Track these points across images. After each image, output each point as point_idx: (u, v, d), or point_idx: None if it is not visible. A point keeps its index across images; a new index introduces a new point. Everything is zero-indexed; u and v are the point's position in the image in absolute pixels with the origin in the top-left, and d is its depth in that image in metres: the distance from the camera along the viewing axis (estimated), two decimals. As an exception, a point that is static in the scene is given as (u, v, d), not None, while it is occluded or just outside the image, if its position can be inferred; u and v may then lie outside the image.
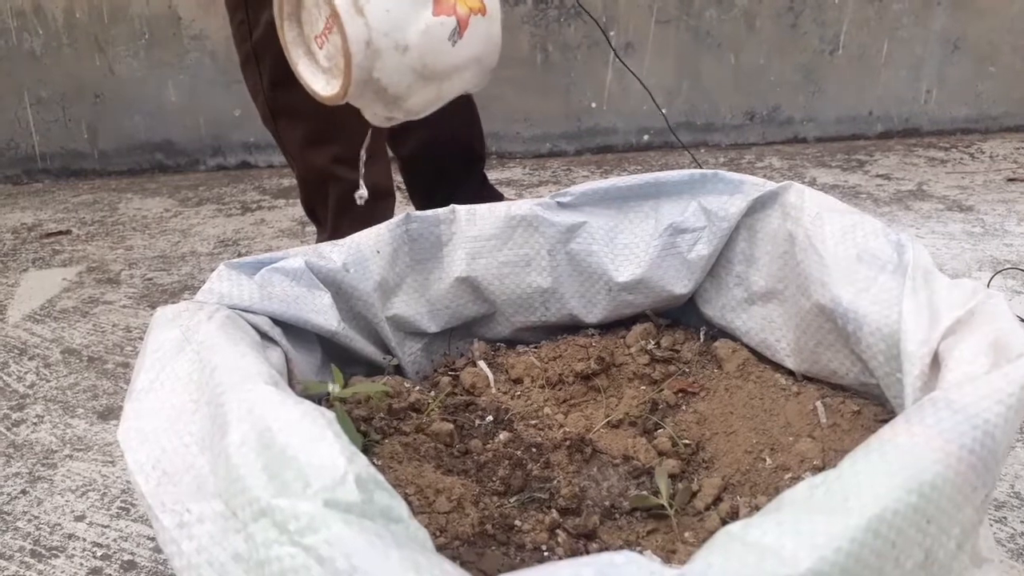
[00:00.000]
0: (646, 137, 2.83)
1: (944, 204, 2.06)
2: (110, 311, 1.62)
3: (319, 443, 0.43)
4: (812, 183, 2.32)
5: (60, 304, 1.66)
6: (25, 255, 1.96)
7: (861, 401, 0.68)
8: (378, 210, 1.44)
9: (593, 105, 2.78)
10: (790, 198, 0.74)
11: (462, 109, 1.51)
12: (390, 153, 1.56)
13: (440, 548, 0.59)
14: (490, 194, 1.64)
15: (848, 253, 0.65)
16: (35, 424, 1.22)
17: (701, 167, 1.96)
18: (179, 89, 2.56)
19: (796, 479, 0.63)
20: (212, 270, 1.86)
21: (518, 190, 2.32)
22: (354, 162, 1.32)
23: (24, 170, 2.58)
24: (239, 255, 1.88)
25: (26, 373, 1.38)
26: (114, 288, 1.74)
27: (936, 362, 0.55)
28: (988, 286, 1.43)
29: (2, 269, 1.87)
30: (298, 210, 2.22)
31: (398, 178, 1.65)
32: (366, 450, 0.67)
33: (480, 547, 0.61)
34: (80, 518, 1.01)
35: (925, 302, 0.57)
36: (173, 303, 1.68)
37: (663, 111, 2.18)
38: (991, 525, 0.85)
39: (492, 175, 2.49)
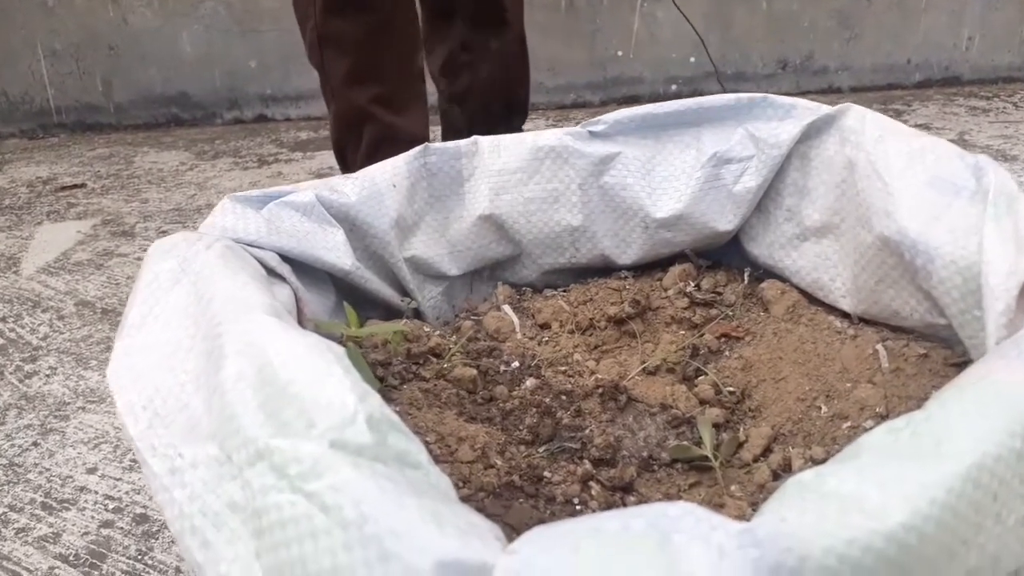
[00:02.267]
0: (674, 87, 2.73)
1: (987, 154, 1.97)
2: (124, 263, 1.59)
3: (326, 378, 0.38)
4: (849, 132, 2.23)
5: (74, 257, 1.64)
6: (40, 208, 1.93)
7: (927, 344, 0.61)
8: None
9: (619, 53, 2.68)
10: (849, 121, 0.66)
11: (517, 58, 1.51)
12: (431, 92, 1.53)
13: (464, 500, 0.54)
14: None
15: (917, 179, 0.58)
16: (47, 376, 1.21)
17: (720, 79, 1.89)
18: (194, 40, 2.50)
19: (856, 428, 0.57)
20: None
21: (563, 127, 2.25)
22: (393, 103, 1.36)
23: (39, 124, 2.55)
24: (255, 207, 1.83)
25: (39, 325, 1.36)
26: (129, 241, 1.71)
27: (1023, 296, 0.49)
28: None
29: (16, 222, 1.85)
30: (315, 163, 2.17)
31: (435, 129, 1.60)
32: (383, 396, 0.61)
33: (507, 499, 0.55)
34: (92, 470, 0.99)
35: (1010, 230, 0.50)
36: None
37: (702, 41, 2.08)
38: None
39: (513, 126, 2.42)
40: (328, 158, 2.22)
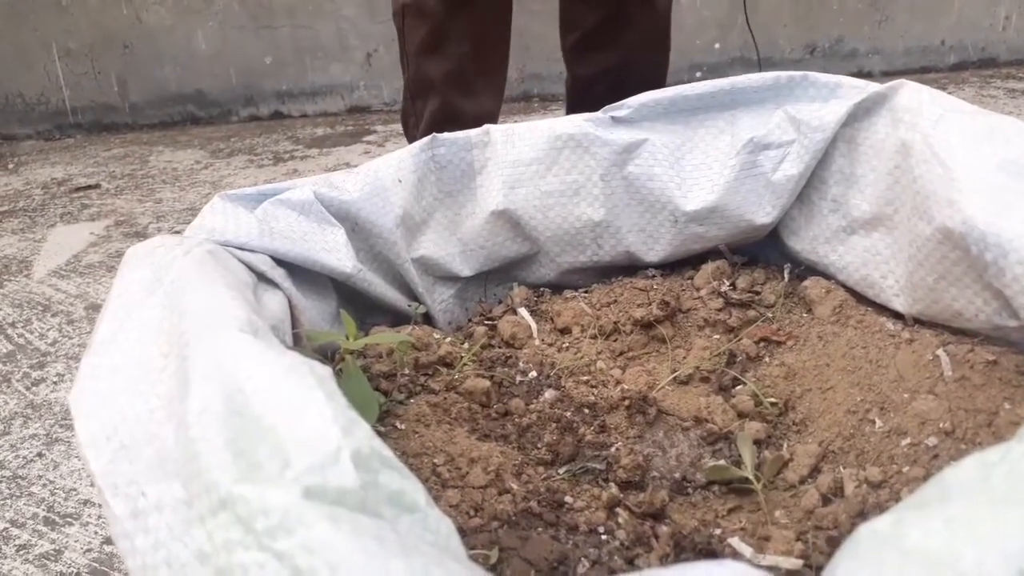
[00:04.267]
0: (699, 74, 2.65)
1: (1034, 136, 1.87)
2: (136, 265, 1.56)
3: (305, 408, 0.32)
4: (884, 117, 2.15)
5: (86, 259, 1.62)
6: (53, 210, 1.91)
7: (996, 349, 0.54)
8: None
9: (642, 41, 2.61)
10: (902, 100, 0.59)
11: (656, 43, 1.42)
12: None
13: (476, 531, 0.48)
14: None
15: (985, 163, 0.51)
16: (55, 383, 1.18)
17: (759, 52, 1.81)
18: (209, 37, 2.47)
19: (917, 445, 0.50)
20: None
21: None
22: (463, 83, 1.31)
23: (56, 125, 2.53)
24: (269, 206, 1.80)
25: (48, 330, 1.33)
26: (141, 242, 1.68)
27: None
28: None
29: (30, 225, 1.83)
30: (332, 159, 2.13)
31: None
32: (387, 413, 0.56)
33: (524, 529, 0.50)
34: None
35: (1099, 219, 0.44)
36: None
37: (747, 18, 2.01)
38: None
39: (535, 119, 2.36)
40: (345, 154, 2.18)
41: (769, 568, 0.43)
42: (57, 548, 0.87)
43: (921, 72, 2.72)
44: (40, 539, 0.89)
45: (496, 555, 0.46)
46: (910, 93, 0.59)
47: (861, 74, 2.72)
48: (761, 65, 2.31)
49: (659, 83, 1.47)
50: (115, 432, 0.39)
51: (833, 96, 0.64)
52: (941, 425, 0.50)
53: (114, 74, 2.52)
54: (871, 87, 0.62)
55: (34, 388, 1.18)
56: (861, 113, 0.62)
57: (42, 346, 1.30)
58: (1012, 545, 0.27)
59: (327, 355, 0.58)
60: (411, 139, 1.43)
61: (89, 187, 2.08)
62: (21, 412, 1.12)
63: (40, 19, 2.44)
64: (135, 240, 1.71)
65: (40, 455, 1.03)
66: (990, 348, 0.54)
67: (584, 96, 1.51)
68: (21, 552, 0.87)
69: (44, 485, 0.97)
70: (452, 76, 1.31)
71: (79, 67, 2.50)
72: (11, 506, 0.94)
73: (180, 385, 0.36)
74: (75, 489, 0.96)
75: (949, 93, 2.01)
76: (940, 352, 0.54)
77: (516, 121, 2.49)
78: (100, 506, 0.91)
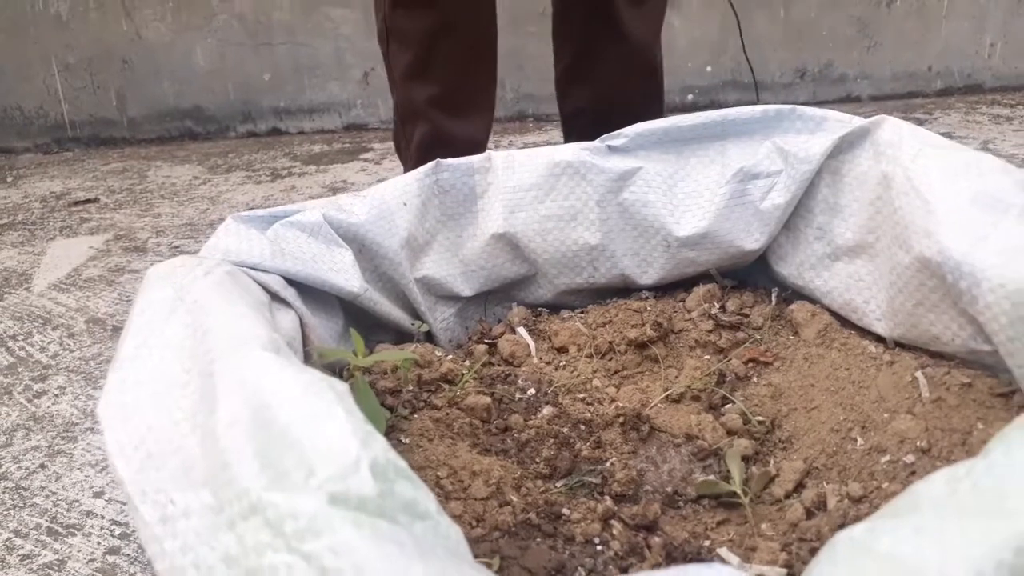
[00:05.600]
0: (691, 96, 2.69)
1: (1013, 163, 1.92)
2: (136, 280, 1.57)
3: (326, 421, 0.35)
4: (871, 141, 2.19)
5: (86, 273, 1.63)
6: (53, 224, 1.93)
7: (971, 372, 0.57)
8: None
9: (635, 63, 2.65)
10: (884, 135, 0.63)
11: (635, 75, 1.40)
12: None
13: (478, 540, 0.51)
14: None
15: (960, 196, 0.54)
16: (56, 396, 1.19)
17: (754, 74, 1.83)
18: (208, 53, 2.49)
19: (895, 463, 0.53)
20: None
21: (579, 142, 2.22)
22: (450, 106, 1.32)
23: (54, 139, 2.55)
24: (268, 222, 1.82)
25: (49, 343, 1.34)
26: (141, 256, 1.69)
27: (1081, 324, 0.45)
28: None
29: (29, 238, 1.85)
30: (329, 176, 2.16)
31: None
32: (393, 427, 0.58)
33: (523, 539, 0.52)
34: (99, 494, 0.97)
35: (1064, 251, 0.47)
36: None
37: (740, 33, 2.05)
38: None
39: (529, 139, 2.39)
40: (342, 172, 2.21)
41: (756, 576, 0.45)
42: (60, 558, 0.88)
43: (908, 97, 2.77)
44: (43, 549, 0.89)
45: (497, 563, 0.49)
46: (891, 128, 0.62)
47: (850, 99, 2.77)
48: (758, 89, 2.36)
49: (648, 114, 1.48)
50: (142, 442, 0.41)
51: (819, 129, 0.67)
52: (918, 443, 0.53)
53: (113, 89, 2.54)
54: (855, 121, 0.66)
55: (36, 400, 1.19)
56: (845, 146, 0.66)
57: (43, 359, 1.31)
58: (973, 551, 0.29)
59: (336, 371, 0.61)
60: (404, 162, 1.44)
61: (88, 201, 2.10)
62: (23, 424, 1.13)
63: (40, 33, 2.46)
64: (134, 255, 1.72)
65: (43, 466, 1.04)
66: (965, 371, 0.57)
67: (572, 128, 1.52)
68: (25, 562, 0.87)
69: (47, 496, 0.98)
70: (438, 100, 1.31)
71: (78, 81, 2.52)
72: (14, 517, 0.95)
73: (206, 400, 0.38)
74: (77, 500, 0.97)
75: (936, 118, 2.05)
76: (919, 374, 0.57)
77: (511, 141, 2.51)
78: (102, 517, 0.92)
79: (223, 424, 0.35)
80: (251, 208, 1.94)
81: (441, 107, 1.32)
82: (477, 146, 1.35)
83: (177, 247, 1.73)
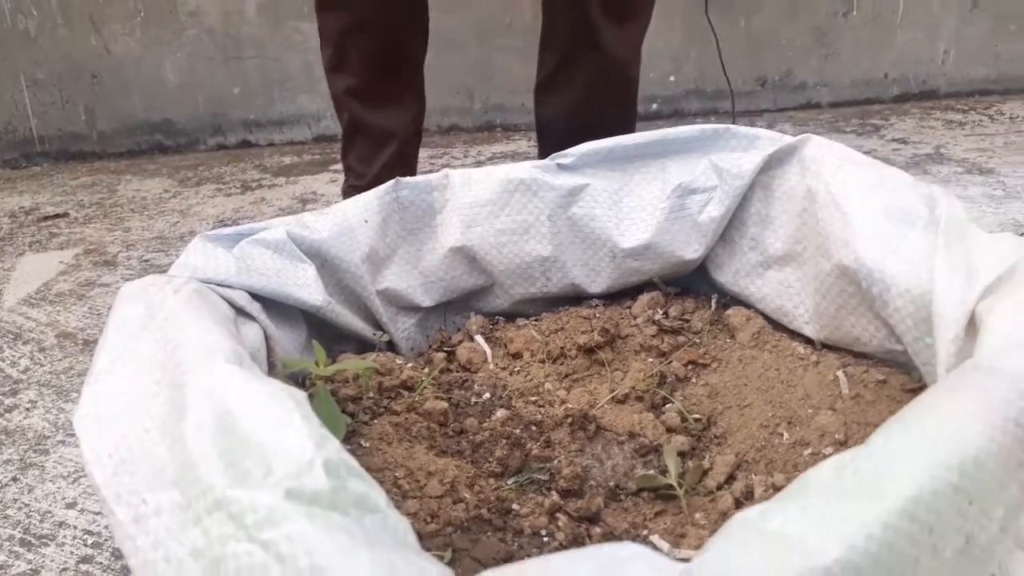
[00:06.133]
0: (654, 106, 2.75)
1: (963, 167, 1.99)
2: (107, 294, 1.59)
3: (285, 426, 0.39)
4: (827, 148, 2.25)
5: (56, 287, 1.64)
6: (22, 239, 1.93)
7: (887, 370, 0.62)
8: (383, 153, 1.52)
9: (599, 74, 2.71)
10: (809, 152, 0.68)
11: (610, 90, 1.46)
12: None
13: (432, 535, 0.55)
14: None
15: (874, 209, 0.60)
16: (28, 410, 1.20)
17: (733, 96, 1.86)
18: (177, 68, 2.51)
19: (816, 455, 0.58)
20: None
21: (531, 160, 2.26)
22: (364, 98, 1.45)
23: (22, 153, 2.55)
24: (238, 234, 1.84)
25: (20, 358, 1.35)
26: (111, 270, 1.71)
27: (973, 325, 0.50)
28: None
29: (-1, 254, 1.85)
30: (299, 188, 2.18)
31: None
32: (353, 432, 0.62)
33: (475, 533, 0.56)
34: (71, 505, 0.98)
35: (960, 259, 0.52)
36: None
37: (717, 43, 2.10)
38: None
39: (497, 148, 2.43)
40: (311, 183, 2.23)
41: (682, 560, 0.49)
42: (34, 568, 0.89)
43: (866, 103, 2.84)
44: (17, 559, 0.91)
45: (450, 555, 0.53)
46: (815, 146, 0.67)
47: (810, 105, 2.84)
48: (734, 97, 2.41)
49: (619, 126, 1.52)
50: (116, 449, 0.45)
51: (752, 147, 0.73)
52: (837, 437, 0.58)
53: (82, 104, 2.54)
54: (784, 140, 0.71)
55: (7, 415, 1.20)
56: (775, 162, 0.71)
57: (14, 373, 1.32)
58: (848, 528, 0.34)
59: (299, 380, 0.65)
60: (341, 153, 1.60)
61: (57, 216, 2.10)
62: None
63: (8, 50, 2.47)
64: (104, 269, 1.73)
65: (15, 479, 1.05)
66: (882, 369, 0.62)
67: (545, 135, 1.60)
68: None
69: (20, 508, 0.99)
70: (355, 92, 1.46)
71: (47, 96, 2.52)
72: None
73: (176, 408, 0.42)
74: (50, 511, 0.98)
75: (892, 124, 2.12)
76: (840, 373, 0.62)
77: (479, 151, 2.55)
78: (75, 527, 0.94)
79: (191, 429, 0.39)
80: (221, 220, 1.96)
81: (357, 98, 1.47)
82: (393, 135, 1.50)
83: (147, 261, 1.74)
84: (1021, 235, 1.46)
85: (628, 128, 1.52)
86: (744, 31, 2.75)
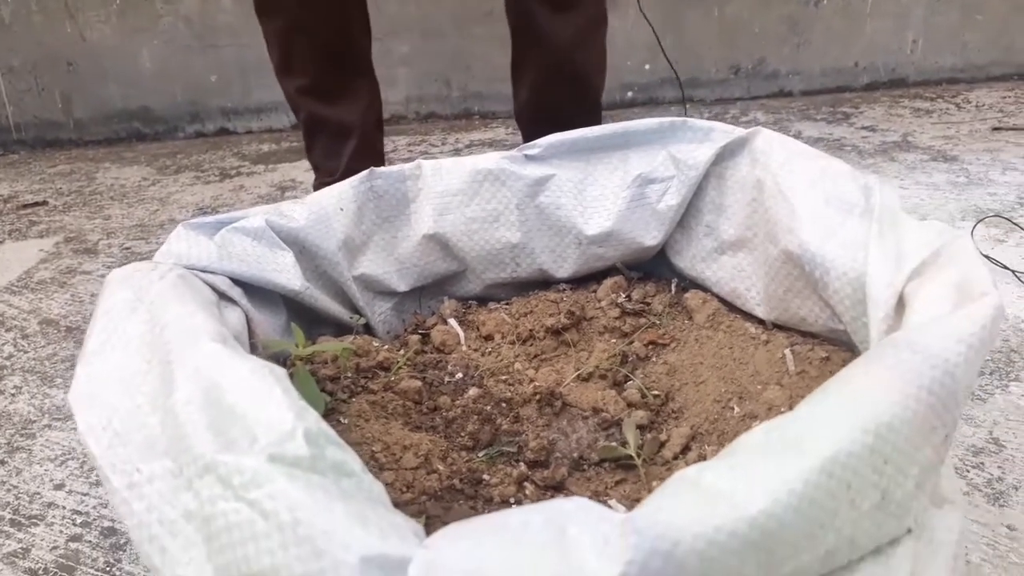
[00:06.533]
0: (630, 94, 2.79)
1: (929, 155, 2.04)
2: (88, 281, 1.61)
3: (267, 399, 0.43)
4: (797, 136, 2.31)
5: (37, 275, 1.65)
6: (1, 227, 1.94)
7: (830, 348, 0.67)
8: (347, 146, 1.56)
9: (575, 62, 2.74)
10: (759, 144, 0.72)
11: (557, 80, 1.49)
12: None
13: (407, 504, 0.59)
14: None
15: (816, 198, 0.64)
16: (13, 395, 1.22)
17: (685, 100, 1.91)
18: (154, 55, 2.51)
19: (764, 427, 0.62)
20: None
21: (500, 150, 2.29)
22: (317, 94, 1.49)
23: (-2, 141, 2.54)
24: (218, 222, 1.86)
25: (3, 344, 1.37)
26: (92, 258, 1.72)
27: (901, 305, 0.54)
28: (972, 235, 1.43)
29: (-22, 242, 1.86)
30: (277, 175, 2.20)
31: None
32: (332, 410, 0.66)
33: (447, 501, 0.60)
34: (59, 487, 1.00)
35: (892, 245, 0.56)
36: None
37: (662, 48, 2.14)
38: (969, 471, 0.85)
39: (475, 136, 2.46)
40: (290, 170, 2.25)
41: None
42: (24, 547, 0.91)
43: (837, 92, 2.89)
44: (8, 539, 0.93)
45: (423, 521, 0.57)
46: (764, 138, 0.72)
47: (782, 94, 2.88)
48: (683, 89, 2.46)
49: (579, 116, 1.54)
50: (109, 423, 0.48)
51: (707, 139, 0.77)
52: (782, 410, 0.62)
53: (58, 91, 2.54)
54: (736, 132, 0.75)
55: None
56: (727, 154, 0.75)
57: None
58: (771, 482, 0.38)
59: (280, 361, 0.68)
60: (306, 152, 1.64)
61: (36, 204, 2.11)
62: None
63: (-18, 36, 2.45)
64: (85, 256, 1.75)
65: (2, 462, 1.07)
66: (826, 347, 0.67)
67: (520, 122, 1.65)
68: None
69: (8, 490, 1.02)
70: (307, 90, 1.51)
71: (22, 84, 2.52)
72: None
73: (166, 384, 0.45)
74: (39, 493, 1.00)
75: (862, 112, 2.17)
76: (787, 351, 0.67)
77: (457, 138, 2.57)
78: (63, 508, 0.97)
79: (180, 403, 0.42)
80: (200, 208, 1.98)
81: (311, 95, 1.51)
82: (352, 127, 1.54)
83: (128, 248, 1.76)
84: (981, 220, 1.52)
85: (589, 118, 1.57)
86: (717, 19, 2.79)
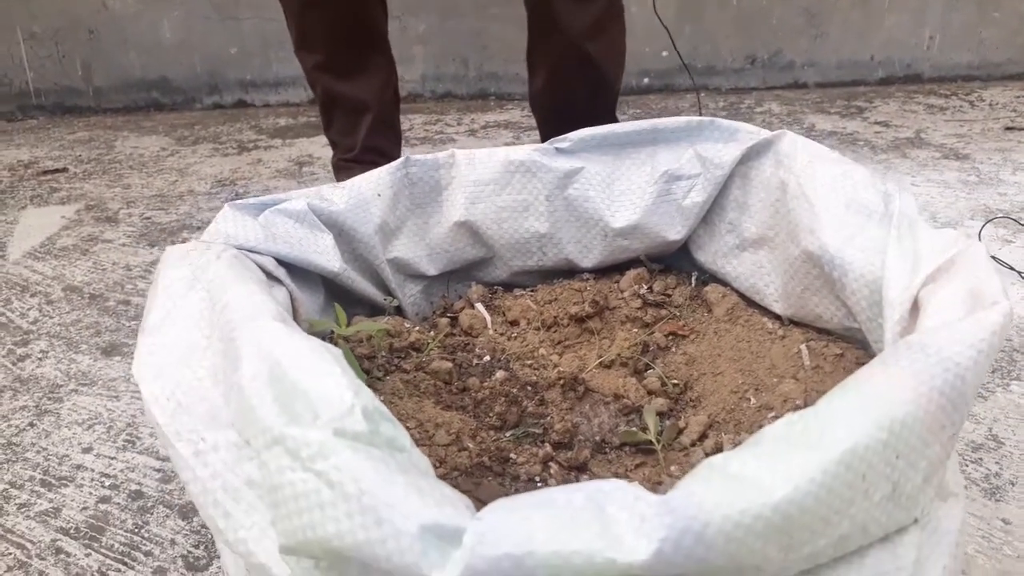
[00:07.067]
0: (646, 80, 2.81)
1: (941, 152, 2.06)
2: (110, 249, 1.63)
3: (327, 377, 0.46)
4: (811, 129, 2.32)
5: (60, 242, 1.68)
6: (23, 192, 1.96)
7: (844, 345, 0.71)
8: (363, 123, 1.58)
9: (593, 47, 2.75)
10: (783, 146, 0.75)
11: (571, 68, 1.50)
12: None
13: (440, 478, 0.62)
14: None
15: (837, 201, 0.67)
16: (40, 359, 1.24)
17: (701, 112, 1.93)
18: (174, 26, 2.53)
19: (778, 418, 0.65)
20: (210, 210, 1.86)
21: (516, 132, 2.31)
22: (333, 70, 1.53)
23: (18, 106, 2.56)
24: (236, 195, 1.89)
25: (29, 310, 1.40)
26: (113, 227, 1.75)
27: (916, 308, 0.58)
28: (980, 235, 1.46)
29: (0, 207, 1.88)
30: (294, 151, 2.22)
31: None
32: (369, 387, 0.69)
33: (477, 478, 0.64)
34: (87, 450, 1.03)
35: (909, 250, 0.59)
36: (173, 242, 1.68)
37: (673, 43, 2.16)
38: (968, 466, 0.89)
39: (490, 117, 2.48)
40: (307, 145, 2.27)
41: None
42: (55, 506, 0.94)
43: (852, 85, 2.90)
44: (39, 499, 0.95)
45: (456, 495, 0.60)
46: (789, 141, 0.75)
47: (797, 85, 2.89)
48: (692, 76, 2.46)
49: (595, 103, 1.58)
50: (172, 394, 0.52)
51: (732, 139, 0.80)
52: (797, 403, 0.66)
53: (79, 58, 2.56)
54: (762, 134, 0.78)
55: (20, 364, 1.24)
56: (752, 154, 0.78)
57: (24, 324, 1.36)
58: (793, 471, 0.42)
59: (320, 338, 0.72)
60: (324, 128, 1.66)
61: (57, 171, 2.13)
62: (9, 386, 1.18)
63: (5, 3, 2.47)
64: (106, 225, 1.77)
65: (32, 424, 1.10)
66: (840, 344, 0.71)
67: (534, 107, 1.67)
68: (22, 510, 0.93)
69: (38, 452, 1.04)
70: (323, 66, 1.53)
71: (43, 50, 2.53)
72: (8, 470, 1.00)
73: (230, 360, 0.49)
74: (67, 455, 1.03)
75: (876, 106, 2.18)
76: (803, 347, 0.70)
77: (473, 119, 2.58)
78: (92, 470, 1.00)
79: (247, 379, 0.46)
80: (219, 180, 2.01)
81: (327, 72, 1.54)
82: (368, 104, 1.57)
83: (148, 218, 1.79)
84: (990, 220, 1.54)
85: (604, 108, 1.58)
86: (736, 8, 2.79)
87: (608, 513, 0.39)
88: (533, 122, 2.52)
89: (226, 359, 0.49)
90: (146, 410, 0.52)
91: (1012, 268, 1.35)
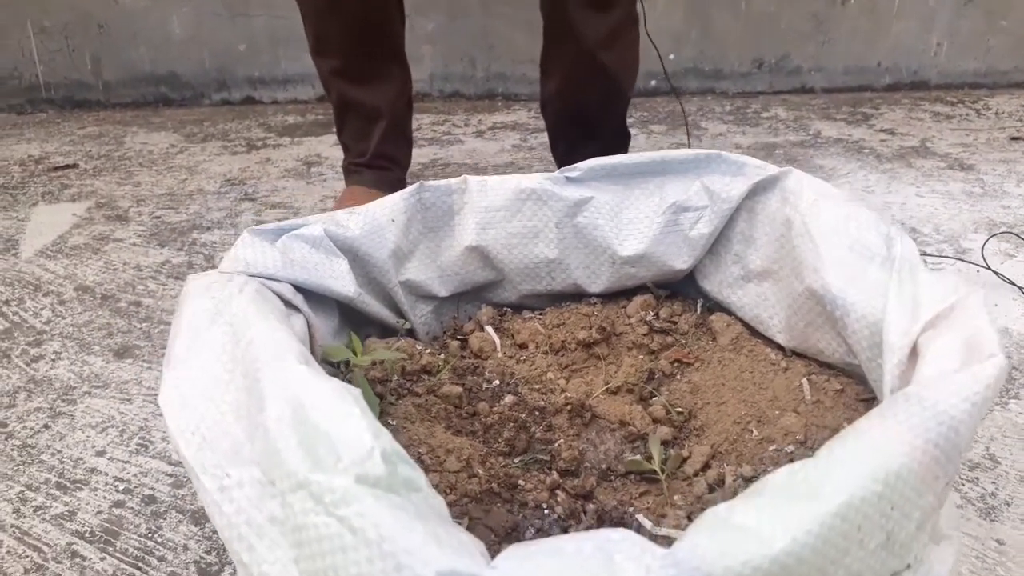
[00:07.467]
0: (653, 83, 2.82)
1: (946, 162, 2.06)
2: (121, 249, 1.65)
3: (348, 419, 0.48)
4: (816, 135, 2.33)
5: (71, 240, 1.69)
6: (34, 188, 1.98)
7: (845, 380, 0.73)
8: (376, 129, 1.60)
9: (601, 49, 2.76)
10: (789, 183, 0.77)
11: (583, 78, 1.51)
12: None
13: (451, 505, 0.65)
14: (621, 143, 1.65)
15: (841, 242, 0.69)
16: (53, 360, 1.26)
17: (689, 133, 1.93)
18: (183, 21, 2.54)
19: (779, 451, 0.68)
20: (219, 210, 1.87)
21: (523, 134, 2.32)
22: (348, 75, 1.55)
23: (28, 99, 2.58)
24: (246, 195, 1.91)
25: (42, 309, 1.41)
26: (123, 225, 1.76)
27: (915, 353, 0.60)
28: (982, 250, 1.47)
29: (12, 203, 1.89)
30: (303, 149, 2.24)
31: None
32: (382, 412, 0.72)
33: (487, 504, 0.66)
34: (101, 453, 1.04)
35: (909, 295, 0.61)
36: (183, 242, 1.68)
37: (661, 61, 2.15)
38: (964, 485, 0.90)
39: (497, 118, 2.49)
40: (315, 145, 2.29)
41: (663, 537, 0.60)
42: (71, 509, 0.95)
43: (859, 91, 2.90)
44: (54, 502, 0.97)
45: (466, 523, 0.63)
46: (795, 179, 0.77)
47: (804, 90, 2.90)
48: (683, 80, 2.47)
49: (608, 111, 1.60)
50: (197, 428, 0.54)
51: (740, 173, 0.82)
52: (798, 436, 0.68)
53: (88, 53, 2.57)
54: (769, 169, 0.80)
55: (34, 364, 1.26)
56: (759, 189, 0.80)
57: (37, 324, 1.38)
58: (792, 523, 0.44)
59: (335, 364, 0.74)
60: (336, 132, 1.68)
61: (67, 166, 2.14)
62: (24, 387, 1.20)
63: (15, -5, 2.48)
64: (117, 223, 1.79)
65: (46, 427, 1.11)
66: (841, 379, 0.73)
67: (545, 112, 1.68)
68: (38, 512, 0.94)
69: (53, 454, 1.06)
70: (339, 71, 1.55)
71: (53, 44, 2.54)
72: (24, 472, 1.02)
73: (255, 399, 0.51)
74: (82, 459, 1.04)
75: (882, 113, 2.18)
76: (804, 380, 0.73)
77: (480, 119, 2.59)
78: (106, 474, 1.01)
79: (272, 420, 0.48)
80: (228, 179, 2.02)
81: (342, 77, 1.56)
82: (382, 111, 1.59)
83: (158, 217, 1.80)
84: (993, 235, 1.56)
85: (615, 114, 1.60)
86: (744, 14, 2.80)
87: (616, 562, 0.42)
88: (540, 124, 2.53)
89: (250, 397, 0.52)
90: (172, 441, 0.54)
91: (1013, 283, 1.36)
